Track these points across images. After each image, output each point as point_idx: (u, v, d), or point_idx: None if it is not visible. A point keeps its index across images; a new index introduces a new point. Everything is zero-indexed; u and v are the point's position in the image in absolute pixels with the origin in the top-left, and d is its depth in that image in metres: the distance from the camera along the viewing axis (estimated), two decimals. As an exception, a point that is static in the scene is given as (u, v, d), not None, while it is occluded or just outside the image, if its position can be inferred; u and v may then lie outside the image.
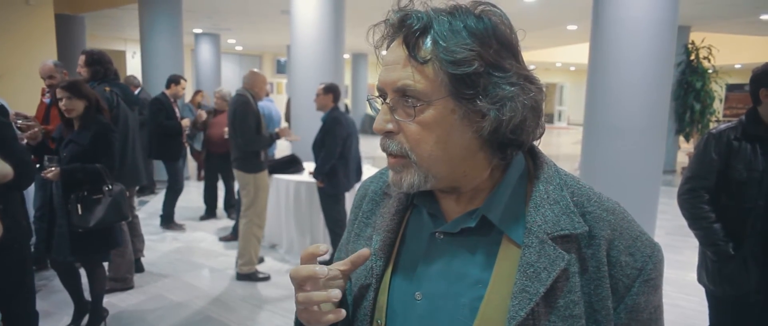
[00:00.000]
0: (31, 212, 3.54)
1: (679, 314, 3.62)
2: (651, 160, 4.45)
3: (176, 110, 5.41)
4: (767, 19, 9.36)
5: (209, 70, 13.28)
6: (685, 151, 11.03)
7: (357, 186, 4.29)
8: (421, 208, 0.79)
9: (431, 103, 0.66)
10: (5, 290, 2.26)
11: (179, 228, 5.52)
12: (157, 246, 4.95)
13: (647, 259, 0.69)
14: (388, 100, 0.70)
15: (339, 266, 0.75)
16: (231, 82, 16.15)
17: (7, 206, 2.19)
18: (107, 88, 3.62)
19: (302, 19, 5.58)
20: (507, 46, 0.67)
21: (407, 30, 0.67)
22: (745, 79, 2.15)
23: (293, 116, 5.91)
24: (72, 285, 3.11)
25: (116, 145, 2.97)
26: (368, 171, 4.78)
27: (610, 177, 4.43)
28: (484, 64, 0.65)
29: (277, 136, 4.22)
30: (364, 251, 0.74)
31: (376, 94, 0.73)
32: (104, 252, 3.09)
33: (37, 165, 2.81)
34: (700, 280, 2.19)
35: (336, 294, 0.70)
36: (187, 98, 8.10)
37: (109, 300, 3.55)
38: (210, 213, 6.04)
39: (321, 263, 0.71)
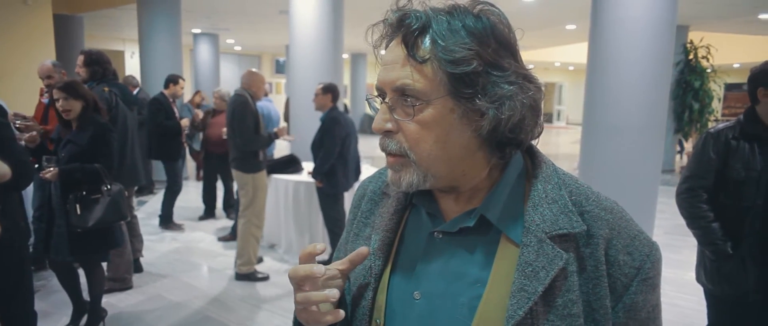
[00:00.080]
0: (30, 212, 3.54)
1: (677, 313, 3.62)
2: (649, 159, 4.46)
3: (175, 110, 5.40)
4: (766, 19, 9.37)
5: (208, 70, 13.27)
6: (685, 150, 11.06)
7: (356, 185, 4.29)
8: (420, 208, 0.79)
9: (430, 102, 0.67)
10: (4, 290, 2.26)
11: (178, 228, 5.52)
12: (155, 246, 4.94)
13: (645, 258, 0.70)
14: (387, 100, 0.70)
15: (338, 265, 0.75)
16: (230, 82, 16.14)
17: (6, 206, 2.19)
18: (106, 88, 3.62)
19: (301, 19, 5.58)
20: (505, 46, 0.67)
21: (406, 29, 0.67)
22: (743, 79, 2.16)
23: (292, 116, 5.91)
24: (70, 286, 3.10)
25: (114, 145, 2.97)
26: (367, 170, 4.78)
27: (608, 177, 4.43)
28: (483, 63, 0.65)
29: (276, 136, 4.22)
30: (363, 249, 0.74)
31: (375, 93, 0.74)
32: (103, 252, 3.09)
33: (36, 166, 2.80)
34: (698, 279, 2.20)
35: (334, 293, 0.70)
36: (186, 98, 8.10)
37: (108, 301, 3.54)
38: (209, 213, 6.03)
39: (320, 263, 0.71)
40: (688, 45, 9.82)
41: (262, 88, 4.15)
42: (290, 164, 4.86)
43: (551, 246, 0.67)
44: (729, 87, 12.63)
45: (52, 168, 2.72)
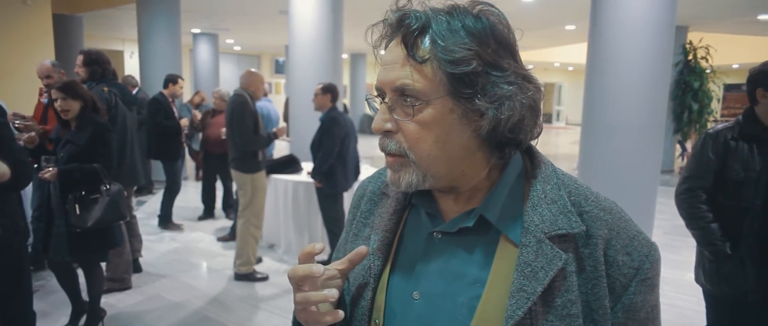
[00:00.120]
0: (29, 212, 3.53)
1: (676, 314, 3.62)
2: (649, 159, 4.46)
3: (174, 110, 5.40)
4: (765, 19, 9.38)
5: (207, 70, 13.27)
6: (686, 153, 11.07)
7: (355, 186, 4.29)
8: (419, 208, 0.79)
9: (430, 102, 0.67)
10: (3, 290, 2.26)
11: (177, 228, 5.52)
12: (155, 246, 4.94)
13: (644, 259, 0.70)
14: (386, 100, 0.70)
15: (337, 265, 0.75)
16: (229, 82, 16.14)
17: (5, 206, 2.18)
18: (105, 88, 3.62)
19: (300, 19, 5.58)
20: (505, 46, 0.67)
21: (406, 29, 0.67)
22: (742, 79, 2.16)
23: (291, 116, 5.91)
24: (69, 286, 3.10)
25: (114, 145, 2.96)
26: (367, 171, 4.78)
27: (607, 177, 4.44)
28: (483, 63, 0.65)
29: (275, 136, 4.22)
30: (362, 248, 0.74)
31: (375, 93, 0.74)
32: (102, 253, 3.08)
33: (35, 166, 2.80)
34: (697, 280, 2.20)
35: (333, 293, 0.70)
36: (186, 98, 8.09)
37: (107, 301, 3.54)
38: (208, 213, 6.03)
39: (319, 263, 0.71)
40: (688, 45, 9.83)
41: (261, 88, 4.14)
42: (289, 164, 4.85)
43: (550, 246, 0.67)
44: (728, 87, 12.64)
45: (50, 168, 2.71)
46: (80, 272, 3.15)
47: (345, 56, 16.87)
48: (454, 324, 0.70)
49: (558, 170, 0.75)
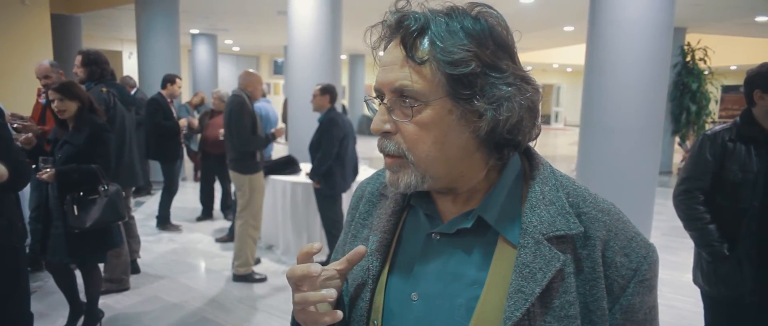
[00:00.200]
0: (27, 213, 3.53)
1: (674, 315, 3.63)
2: (647, 160, 4.47)
3: (173, 110, 5.39)
4: (762, 21, 9.41)
5: (206, 70, 13.27)
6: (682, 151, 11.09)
7: (354, 187, 4.29)
8: (418, 209, 0.79)
9: (429, 104, 0.67)
10: (0, 292, 2.25)
11: (175, 229, 5.51)
12: (153, 247, 4.93)
13: (642, 260, 0.70)
14: (385, 101, 0.70)
15: (335, 266, 0.76)
16: (228, 82, 16.14)
17: (3, 207, 2.18)
18: (104, 89, 3.61)
19: (299, 20, 5.58)
20: (503, 47, 0.67)
21: (404, 31, 0.67)
22: (740, 81, 2.16)
23: (290, 117, 5.91)
24: (67, 287, 3.09)
25: (112, 145, 2.96)
26: (365, 172, 4.78)
27: (606, 178, 4.44)
28: (481, 64, 0.65)
29: (273, 137, 4.21)
30: (360, 248, 0.74)
31: (374, 94, 0.74)
32: (101, 253, 3.08)
33: (33, 167, 2.80)
34: (695, 281, 2.20)
35: (332, 294, 0.70)
36: (184, 99, 8.08)
37: (105, 302, 3.53)
38: (206, 214, 6.02)
39: (317, 263, 0.71)
40: (686, 47, 9.85)
41: (259, 89, 4.14)
42: (288, 165, 4.85)
43: (548, 247, 0.67)
44: (726, 89, 12.67)
45: (48, 169, 2.71)
46: (78, 273, 3.14)
47: (344, 57, 16.87)
48: (452, 325, 0.70)
49: (556, 171, 0.75)
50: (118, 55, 15.50)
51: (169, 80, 5.37)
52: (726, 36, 12.29)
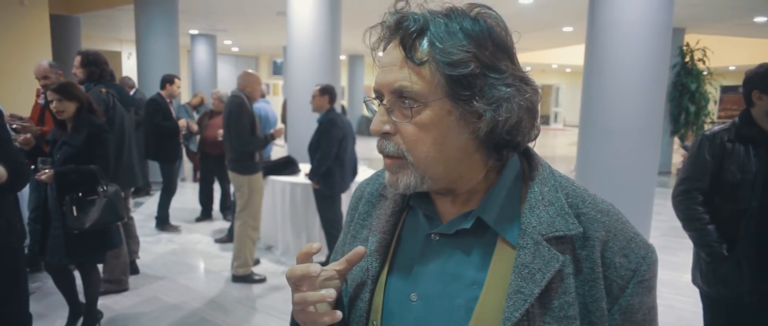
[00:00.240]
0: (25, 214, 3.52)
1: (674, 315, 3.63)
2: (646, 161, 4.47)
3: (172, 111, 5.39)
4: (761, 22, 9.42)
5: (205, 71, 13.26)
6: (680, 152, 11.10)
7: (353, 187, 4.29)
8: (417, 210, 0.79)
9: (428, 104, 0.67)
10: (-1, 292, 2.25)
11: (174, 229, 5.50)
12: (152, 247, 4.93)
13: (641, 260, 0.70)
14: (384, 102, 0.70)
15: (335, 266, 0.76)
16: (227, 83, 16.13)
17: (1, 208, 2.18)
18: (103, 89, 3.61)
19: (298, 21, 5.58)
20: (502, 48, 0.68)
21: (404, 32, 0.67)
22: (739, 81, 2.16)
23: (289, 118, 5.91)
24: (66, 288, 3.09)
25: (111, 146, 2.96)
26: (364, 172, 4.79)
27: (605, 179, 4.44)
28: (480, 65, 0.65)
29: (272, 138, 4.21)
30: (360, 248, 0.74)
31: (373, 95, 0.74)
32: (100, 254, 3.07)
33: (32, 167, 2.79)
34: (694, 282, 2.20)
35: (331, 294, 0.70)
36: (183, 99, 8.08)
37: (104, 302, 3.53)
38: (205, 214, 6.02)
39: (317, 263, 0.71)
40: (685, 47, 9.87)
41: (258, 89, 4.14)
42: (287, 166, 4.85)
43: (548, 248, 0.67)
44: (725, 89, 12.69)
45: (47, 170, 2.70)
46: (77, 274, 3.14)
47: (343, 58, 16.86)
48: (452, 326, 0.70)
49: (555, 172, 0.75)
50: (117, 55, 15.49)
51: (168, 81, 5.36)
52: (725, 36, 12.31)
